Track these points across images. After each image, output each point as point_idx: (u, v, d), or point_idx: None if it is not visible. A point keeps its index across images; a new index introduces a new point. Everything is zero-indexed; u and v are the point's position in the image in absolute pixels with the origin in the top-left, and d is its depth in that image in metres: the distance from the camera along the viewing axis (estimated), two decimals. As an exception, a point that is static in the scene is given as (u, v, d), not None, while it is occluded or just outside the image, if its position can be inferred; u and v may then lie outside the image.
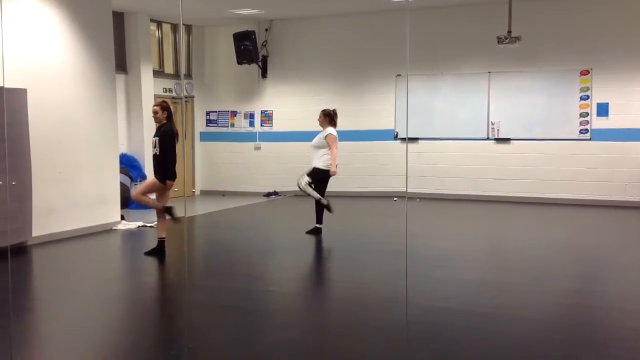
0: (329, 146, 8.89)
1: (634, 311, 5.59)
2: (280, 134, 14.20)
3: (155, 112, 7.74)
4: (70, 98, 9.19)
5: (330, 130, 8.93)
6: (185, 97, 14.44)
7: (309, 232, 9.05)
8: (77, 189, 9.26)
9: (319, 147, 8.99)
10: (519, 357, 4.57)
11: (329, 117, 9.02)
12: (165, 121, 7.69)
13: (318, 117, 9.12)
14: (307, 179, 8.86)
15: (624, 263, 7.48)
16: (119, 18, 12.20)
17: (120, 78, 11.93)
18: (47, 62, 8.83)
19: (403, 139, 13.01)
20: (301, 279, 6.90)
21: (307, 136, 13.84)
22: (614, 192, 11.76)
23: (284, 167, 14.10)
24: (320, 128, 9.14)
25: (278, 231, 10.29)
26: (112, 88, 9.98)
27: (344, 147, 13.34)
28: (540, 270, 7.11)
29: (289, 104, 14.11)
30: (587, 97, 11.90)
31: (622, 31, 11.57)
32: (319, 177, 8.95)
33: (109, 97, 9.89)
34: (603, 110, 11.83)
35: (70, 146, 9.15)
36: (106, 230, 9.60)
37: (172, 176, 7.69)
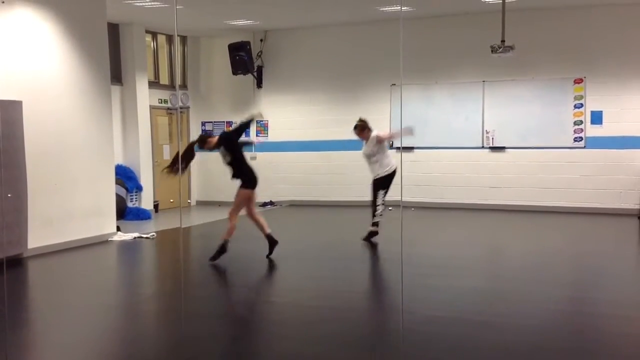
0: (380, 150, 9.03)
1: (629, 318, 5.61)
2: (276, 144, 14.21)
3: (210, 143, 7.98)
4: (66, 109, 9.20)
5: (374, 132, 9.07)
6: (181, 108, 14.47)
7: (366, 239, 9.08)
8: (73, 201, 9.26)
9: (372, 154, 9.08)
10: (515, 365, 4.58)
11: (366, 128, 9.13)
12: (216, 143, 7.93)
13: (356, 133, 9.19)
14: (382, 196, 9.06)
15: (618, 270, 7.51)
16: (114, 29, 12.23)
17: (115, 89, 11.95)
18: (43, 74, 8.85)
19: (398, 148, 13.04)
20: (298, 289, 6.90)
21: (302, 146, 13.92)
22: (609, 200, 11.80)
23: (280, 177, 14.11)
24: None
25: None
26: (107, 99, 9.99)
27: (340, 157, 13.42)
28: (535, 278, 7.13)
29: (285, 114, 14.14)
30: (581, 105, 11.96)
31: (615, 39, 11.64)
32: (386, 184, 9.11)
33: (104, 108, 9.90)
34: (597, 118, 11.88)
35: (65, 158, 9.15)
36: (102, 242, 9.59)
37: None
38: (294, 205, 13.84)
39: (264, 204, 13.99)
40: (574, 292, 6.74)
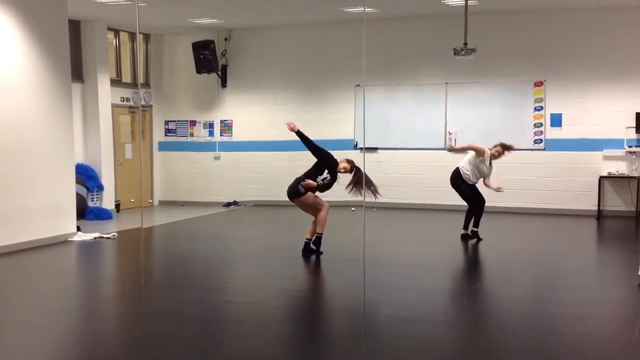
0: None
1: (586, 317, 5.72)
2: (240, 143, 14.16)
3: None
4: (25, 106, 9.03)
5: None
6: (143, 107, 14.31)
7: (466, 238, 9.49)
8: (32, 199, 9.09)
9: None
10: (474, 364, 4.64)
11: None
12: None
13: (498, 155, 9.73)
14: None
15: (576, 270, 7.66)
16: (75, 26, 12.05)
17: (76, 87, 11.78)
18: (1, 70, 8.67)
19: (362, 149, 13.10)
20: (260, 289, 6.89)
21: (266, 146, 13.89)
22: (567, 201, 12.03)
23: (244, 177, 14.06)
24: None
25: (238, 241, 10.24)
26: (68, 97, 9.83)
27: (304, 157, 13.46)
28: (495, 278, 7.24)
29: (249, 114, 14.09)
30: (541, 107, 12.17)
31: (575, 43, 11.86)
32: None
33: (64, 105, 9.74)
34: (556, 120, 12.10)
35: (24, 155, 8.98)
36: (62, 242, 9.44)
37: None
38: (258, 205, 13.81)
39: (228, 204, 13.93)
40: (532, 291, 6.85)
